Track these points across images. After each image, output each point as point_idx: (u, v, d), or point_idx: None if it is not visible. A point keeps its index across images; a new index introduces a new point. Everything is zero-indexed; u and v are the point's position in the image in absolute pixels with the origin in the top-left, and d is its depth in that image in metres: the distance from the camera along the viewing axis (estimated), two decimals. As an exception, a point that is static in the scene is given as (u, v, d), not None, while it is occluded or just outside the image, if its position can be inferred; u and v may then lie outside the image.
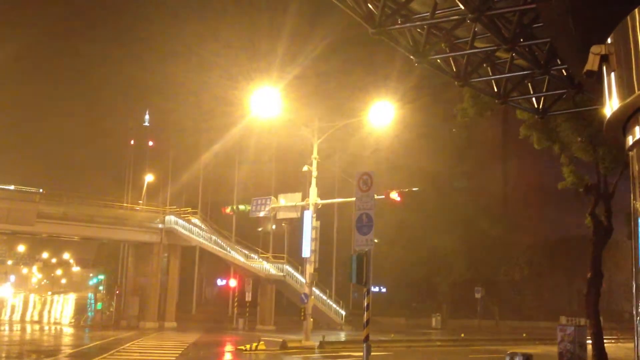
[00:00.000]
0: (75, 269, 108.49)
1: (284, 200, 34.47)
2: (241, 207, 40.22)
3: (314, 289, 37.58)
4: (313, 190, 31.22)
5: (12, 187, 43.16)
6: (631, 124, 7.61)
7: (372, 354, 15.88)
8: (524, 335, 42.06)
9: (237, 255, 48.00)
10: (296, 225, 40.14)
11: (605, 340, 20.89)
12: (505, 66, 15.16)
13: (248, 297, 45.81)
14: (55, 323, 55.52)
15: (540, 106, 17.23)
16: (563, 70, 15.34)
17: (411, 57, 14.48)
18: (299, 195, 33.35)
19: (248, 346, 27.62)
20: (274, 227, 57.81)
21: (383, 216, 37.42)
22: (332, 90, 54.60)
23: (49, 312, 65.59)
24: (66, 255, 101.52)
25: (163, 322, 46.19)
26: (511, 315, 58.13)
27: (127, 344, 29.07)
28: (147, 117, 68.22)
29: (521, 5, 12.17)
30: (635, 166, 7.84)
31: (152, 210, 49.38)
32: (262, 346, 27.39)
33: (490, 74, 15.94)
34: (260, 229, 59.00)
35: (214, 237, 48.26)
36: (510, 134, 67.45)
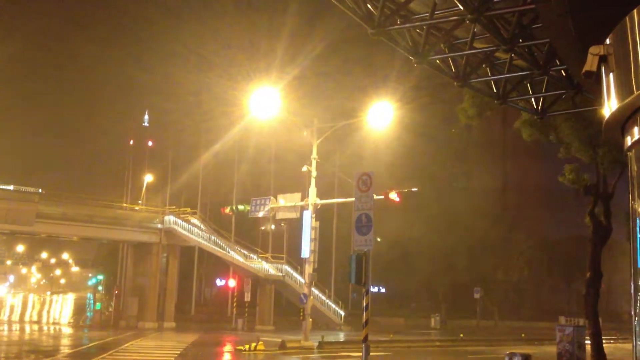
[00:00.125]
0: (74, 269, 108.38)
1: (283, 200, 34.46)
2: (240, 207, 40.18)
3: (313, 289, 37.58)
4: (312, 190, 31.22)
5: (11, 187, 43.16)
6: (630, 125, 7.62)
7: (371, 354, 15.89)
8: (523, 335, 42.07)
9: (236, 256, 47.98)
10: (295, 225, 40.14)
11: (604, 341, 20.91)
12: (505, 67, 15.17)
13: (247, 297, 45.80)
14: (54, 323, 55.48)
15: (540, 107, 17.26)
16: (562, 71, 15.36)
17: (410, 57, 14.49)
18: (298, 195, 33.34)
19: (247, 346, 27.61)
20: (273, 227, 57.81)
21: (382, 216, 37.41)
22: (331, 90, 54.60)
23: (48, 312, 65.51)
24: (65, 256, 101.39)
25: (162, 322, 46.16)
26: (510, 315, 58.20)
27: (126, 344, 29.06)
28: (146, 117, 68.21)
29: (520, 6, 12.19)
30: (634, 167, 7.86)
31: (151, 211, 49.36)
32: (261, 346, 27.38)
33: (490, 74, 15.95)
34: (263, 228, 58.97)
35: (213, 237, 48.24)
36: (509, 135, 67.54)
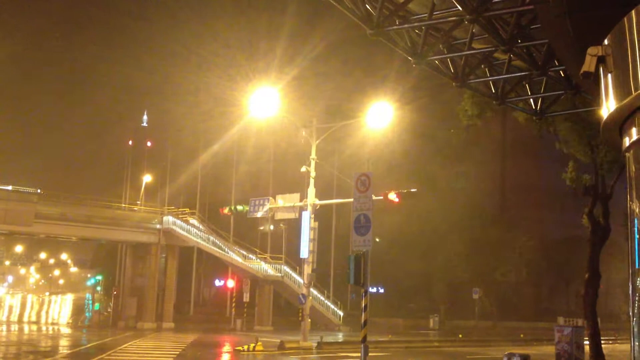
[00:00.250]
0: (73, 269, 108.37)
1: (282, 200, 34.45)
2: (239, 207, 40.15)
3: (311, 289, 37.59)
4: (311, 190, 31.23)
5: (9, 188, 43.17)
6: (628, 125, 7.62)
7: (370, 354, 15.90)
8: (522, 335, 42.07)
9: (234, 256, 47.98)
10: (294, 226, 40.15)
11: (602, 341, 20.91)
12: (503, 67, 15.18)
13: (246, 297, 45.79)
14: (52, 323, 55.49)
15: (538, 107, 17.26)
16: (561, 72, 15.37)
17: (409, 58, 14.50)
18: (297, 195, 33.34)
19: (246, 347, 27.62)
20: (272, 227, 57.81)
21: (381, 217, 37.42)
22: (330, 91, 54.65)
23: (47, 312, 65.45)
24: (64, 256, 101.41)
25: (161, 322, 46.15)
26: (509, 316, 58.19)
27: (125, 345, 29.05)
28: (145, 117, 68.25)
29: (519, 7, 12.19)
30: (632, 167, 7.86)
31: (150, 211, 49.37)
32: (259, 347, 27.38)
33: (488, 75, 15.96)
34: (262, 228, 58.96)
35: (211, 238, 48.24)
36: (508, 135, 67.64)
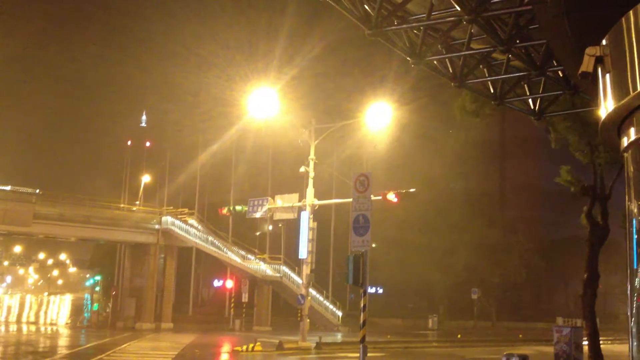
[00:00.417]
0: (72, 269, 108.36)
1: (280, 201, 34.46)
2: (238, 207, 40.16)
3: (310, 290, 37.58)
4: (310, 191, 31.22)
5: (8, 188, 43.12)
6: (626, 126, 7.61)
7: (369, 354, 15.90)
8: (520, 336, 42.09)
9: (233, 256, 47.97)
10: (293, 226, 40.15)
11: (601, 342, 20.90)
12: (502, 67, 15.18)
13: (245, 298, 45.81)
14: (51, 324, 55.44)
15: (537, 107, 17.26)
16: (559, 72, 15.36)
17: (408, 58, 14.49)
18: (295, 196, 33.35)
19: (245, 347, 27.61)
20: (270, 228, 57.82)
21: (380, 217, 37.43)
22: (329, 91, 54.68)
23: (45, 313, 65.41)
24: (62, 256, 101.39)
25: (159, 323, 46.13)
26: (508, 316, 58.25)
27: (124, 345, 29.04)
28: (144, 117, 68.24)
29: (517, 7, 12.19)
30: (630, 167, 7.85)
31: (148, 211, 49.35)
32: (258, 347, 27.38)
33: (487, 75, 15.95)
34: (259, 233, 59.00)
35: (210, 238, 48.22)
36: (507, 136, 67.73)
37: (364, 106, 30.36)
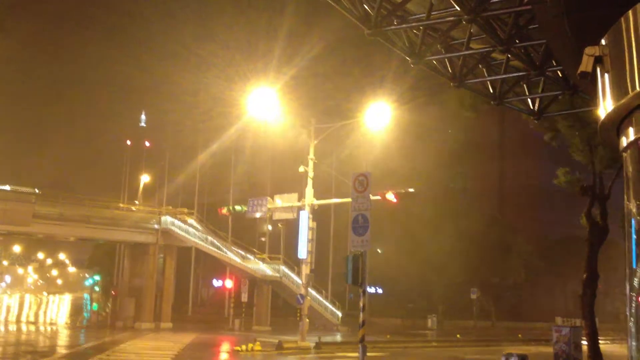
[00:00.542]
0: (71, 269, 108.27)
1: (280, 200, 34.48)
2: (237, 207, 40.17)
3: (310, 289, 37.57)
4: (309, 191, 31.22)
5: (7, 188, 43.12)
6: (625, 125, 7.62)
7: (368, 354, 15.90)
8: (520, 336, 42.13)
9: (233, 256, 47.96)
10: (292, 226, 40.15)
11: (600, 341, 20.93)
12: (501, 67, 15.19)
13: (244, 297, 45.81)
14: (50, 324, 55.41)
15: (536, 107, 17.27)
16: (558, 72, 15.38)
17: (407, 58, 14.50)
18: (295, 195, 33.35)
19: (244, 347, 27.61)
20: (270, 227, 57.82)
21: (379, 217, 37.44)
22: (328, 91, 54.65)
23: (45, 312, 65.46)
24: (62, 256, 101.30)
25: (159, 322, 46.12)
26: (507, 316, 58.25)
27: (123, 345, 29.03)
28: (143, 117, 68.20)
29: (516, 7, 12.20)
30: (629, 167, 7.86)
31: (148, 211, 49.32)
32: (258, 347, 27.38)
33: (486, 75, 15.96)
34: (257, 234, 58.97)
35: (210, 238, 48.21)
36: (506, 135, 67.74)
37: (363, 106, 30.37)
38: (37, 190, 44.37)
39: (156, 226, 46.78)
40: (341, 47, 52.28)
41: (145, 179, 56.62)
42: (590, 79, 7.73)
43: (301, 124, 31.95)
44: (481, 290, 55.58)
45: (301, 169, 31.56)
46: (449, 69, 15.44)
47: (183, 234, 46.99)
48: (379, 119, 28.87)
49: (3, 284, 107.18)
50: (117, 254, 55.88)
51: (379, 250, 56.96)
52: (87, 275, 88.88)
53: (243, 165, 56.73)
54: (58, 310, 66.11)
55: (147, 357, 24.41)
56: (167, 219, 47.09)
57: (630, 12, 6.95)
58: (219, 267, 54.35)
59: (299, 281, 39.34)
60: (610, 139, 8.38)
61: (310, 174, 31.00)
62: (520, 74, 15.46)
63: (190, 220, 49.58)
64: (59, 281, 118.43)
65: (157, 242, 46.73)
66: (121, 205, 51.49)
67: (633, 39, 6.89)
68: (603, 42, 7.57)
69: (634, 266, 7.77)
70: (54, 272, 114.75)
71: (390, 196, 31.45)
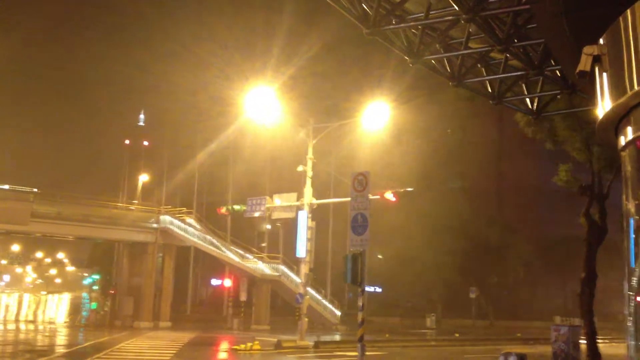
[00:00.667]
0: (70, 268, 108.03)
1: (279, 200, 34.46)
2: (236, 207, 40.17)
3: (309, 289, 37.54)
4: (308, 190, 31.21)
5: (6, 187, 43.09)
6: (623, 125, 7.64)
7: (367, 353, 15.91)
8: (518, 335, 42.13)
9: (232, 255, 47.94)
10: (291, 225, 40.14)
11: (599, 340, 20.93)
12: (500, 67, 15.20)
13: (243, 297, 45.80)
14: (49, 323, 55.38)
15: (535, 107, 17.29)
16: (557, 71, 15.39)
17: (406, 57, 14.51)
18: (294, 195, 33.34)
19: (243, 346, 27.60)
20: (269, 227, 57.80)
21: (378, 216, 37.44)
22: (327, 90, 54.64)
23: (43, 311, 65.32)
24: (60, 255, 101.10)
25: (158, 321, 46.11)
26: (505, 315, 58.28)
27: (122, 344, 29.02)
28: (142, 116, 68.14)
29: (515, 6, 12.21)
30: (628, 167, 7.88)
31: (146, 210, 49.30)
32: (257, 346, 27.37)
33: (485, 74, 15.98)
34: (257, 233, 58.93)
35: (208, 237, 48.19)
36: (505, 135, 67.70)
37: (362, 105, 30.35)
38: (35, 189, 44.34)
39: (155, 225, 46.77)
40: (340, 47, 52.29)
41: (144, 178, 56.60)
42: (589, 78, 7.75)
43: (300, 124, 31.93)
44: (480, 290, 55.63)
45: (300, 168, 31.55)
46: (448, 68, 15.45)
47: (182, 233, 46.98)
48: (378, 118, 28.85)
49: (2, 283, 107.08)
50: (115, 253, 55.86)
51: (380, 256, 57.09)
52: (85, 274, 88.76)
53: (242, 165, 56.68)
54: (57, 309, 65.97)
55: (145, 356, 24.39)
56: (165, 218, 47.08)
57: (628, 11, 6.96)
58: (218, 267, 54.33)
59: (298, 280, 39.32)
60: (609, 138, 8.40)
61: (309, 173, 30.99)
62: (519, 73, 15.47)
63: (189, 220, 49.57)
64: (58, 280, 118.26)
65: (156, 241, 46.73)
66: (120, 204, 51.50)
67: (631, 38, 6.90)
68: (601, 41, 7.58)
69: (632, 265, 7.78)
70: (53, 271, 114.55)
71: (389, 195, 31.45)
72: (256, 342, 27.60)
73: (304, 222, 30.74)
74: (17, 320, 58.50)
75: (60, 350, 28.02)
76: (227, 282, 50.99)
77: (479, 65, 15.67)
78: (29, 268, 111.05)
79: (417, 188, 43.70)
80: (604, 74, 7.54)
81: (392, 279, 60.61)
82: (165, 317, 47.16)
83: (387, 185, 34.58)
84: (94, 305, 55.66)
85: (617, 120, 7.71)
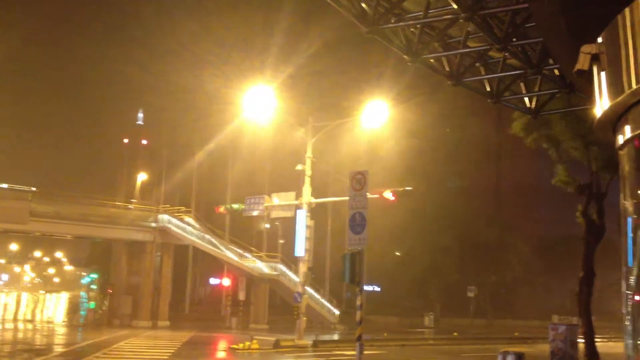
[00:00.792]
0: (68, 267, 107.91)
1: (277, 199, 34.46)
2: (235, 206, 40.20)
3: (307, 288, 37.53)
4: (307, 189, 31.20)
5: (4, 186, 43.03)
6: (621, 123, 7.64)
7: (365, 352, 15.90)
8: (516, 334, 42.17)
9: (230, 254, 47.92)
10: (290, 224, 40.12)
11: (597, 339, 20.95)
12: (498, 66, 15.21)
13: (241, 296, 45.77)
14: (47, 322, 55.36)
15: (533, 105, 17.29)
16: (555, 70, 15.40)
17: (404, 56, 14.51)
18: (292, 194, 33.33)
19: (241, 345, 27.59)
20: (267, 226, 57.78)
21: (376, 215, 37.44)
22: (326, 89, 54.65)
23: (42, 311, 65.33)
24: (59, 254, 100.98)
25: (156, 321, 46.10)
26: (504, 314, 58.38)
27: (120, 343, 29.00)
28: (140, 115, 68.00)
29: (513, 5, 12.21)
30: (625, 165, 7.88)
31: (145, 209, 49.26)
32: (255, 345, 27.36)
33: (483, 73, 15.99)
34: (255, 232, 58.89)
35: (207, 236, 48.17)
36: (503, 134, 67.70)
37: (360, 104, 30.33)
38: (33, 188, 44.28)
39: (153, 224, 46.75)
40: (338, 45, 52.23)
41: (142, 177, 56.49)
42: (587, 77, 7.75)
43: (299, 122, 31.91)
44: (478, 289, 55.67)
45: (299, 167, 31.53)
46: (446, 67, 15.46)
47: (180, 232, 46.95)
48: (377, 117, 28.84)
49: (0, 283, 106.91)
50: (114, 252, 55.81)
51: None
52: (84, 273, 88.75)
53: (240, 164, 56.63)
54: (55, 308, 65.98)
55: (144, 356, 24.38)
56: (164, 217, 47.05)
57: (626, 10, 6.96)
58: (217, 266, 54.31)
59: (297, 279, 39.31)
60: (607, 137, 8.40)
61: (308, 172, 30.97)
62: (517, 72, 15.47)
63: (188, 219, 49.53)
64: (56, 279, 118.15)
65: (155, 240, 46.70)
66: (118, 203, 51.40)
67: (630, 37, 6.90)
68: (600, 40, 7.58)
69: (630, 264, 7.79)
70: (51, 271, 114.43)
71: (388, 194, 31.50)
72: (254, 341, 27.59)
73: (302, 221, 30.73)
74: (15, 320, 58.43)
75: (58, 349, 27.98)
76: (226, 281, 50.97)
77: (477, 64, 15.68)
78: (27, 267, 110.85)
79: (416, 187, 43.69)
80: (602, 73, 7.54)
81: (391, 278, 60.62)
82: (164, 316, 47.15)
83: (386, 184, 34.58)
84: (92, 304, 55.68)
85: (615, 119, 7.72)
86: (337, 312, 50.69)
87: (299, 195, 32.17)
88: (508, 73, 15.57)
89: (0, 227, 42.94)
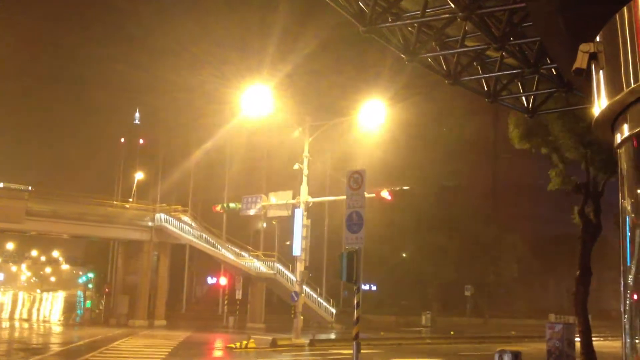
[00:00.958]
0: (65, 266, 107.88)
1: (274, 198, 34.46)
2: (232, 205, 40.10)
3: (304, 287, 37.58)
4: (304, 188, 31.21)
5: (1, 185, 42.95)
6: (619, 122, 7.64)
7: (362, 351, 15.92)
8: (513, 333, 42.27)
9: (227, 253, 47.89)
10: (287, 223, 40.12)
11: (594, 338, 20.98)
12: (496, 65, 15.20)
13: (238, 295, 45.73)
14: (44, 321, 55.23)
15: (530, 105, 17.30)
16: (553, 69, 15.41)
17: (402, 55, 14.50)
18: (289, 193, 33.33)
19: (238, 344, 27.59)
20: (264, 225, 57.75)
21: (373, 214, 37.45)
22: (323, 88, 54.64)
23: (38, 310, 65.25)
24: (55, 253, 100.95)
25: (153, 320, 46.05)
26: (500, 313, 58.48)
27: (116, 342, 28.97)
28: (137, 114, 67.92)
29: (511, 4, 12.21)
30: (624, 164, 7.88)
31: (142, 208, 49.18)
32: (252, 344, 27.37)
33: (481, 72, 15.98)
34: (252, 231, 58.85)
35: (204, 235, 48.13)
36: (500, 133, 67.79)
37: (358, 103, 30.36)
38: (30, 187, 44.21)
39: (150, 223, 46.69)
40: (336, 45, 52.25)
41: (139, 176, 56.43)
42: (585, 76, 7.75)
43: (296, 122, 31.91)
44: (475, 288, 55.73)
45: (296, 166, 31.54)
46: (444, 66, 15.45)
47: (177, 231, 46.91)
48: (374, 116, 28.89)
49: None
50: (110, 252, 55.73)
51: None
52: (80, 272, 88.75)
53: (237, 163, 56.58)
54: (51, 307, 65.91)
55: (140, 355, 24.36)
56: (161, 216, 47.00)
57: (624, 8, 6.96)
58: (213, 265, 54.24)
59: (294, 278, 39.36)
60: (605, 136, 8.40)
61: (305, 171, 30.99)
62: (515, 71, 15.47)
63: (185, 218, 49.48)
64: (53, 279, 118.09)
65: (151, 239, 46.65)
66: (115, 202, 51.32)
67: (628, 35, 6.90)
68: (598, 38, 7.58)
69: (628, 263, 7.79)
70: (48, 270, 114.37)
71: (385, 194, 31.49)
72: (251, 341, 27.59)
73: (299, 220, 30.75)
74: (11, 319, 58.30)
75: (54, 348, 27.95)
76: (223, 281, 50.91)
77: (474, 64, 15.67)
78: (23, 266, 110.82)
79: (413, 186, 43.71)
80: (600, 72, 7.54)
81: (388, 277, 60.66)
82: (161, 316, 47.10)
83: (383, 184, 34.58)
84: (88, 303, 55.58)
85: (613, 118, 7.72)
86: (334, 311, 50.70)
87: (296, 195, 32.18)
88: (505, 72, 15.57)
89: (-4, 226, 42.87)
